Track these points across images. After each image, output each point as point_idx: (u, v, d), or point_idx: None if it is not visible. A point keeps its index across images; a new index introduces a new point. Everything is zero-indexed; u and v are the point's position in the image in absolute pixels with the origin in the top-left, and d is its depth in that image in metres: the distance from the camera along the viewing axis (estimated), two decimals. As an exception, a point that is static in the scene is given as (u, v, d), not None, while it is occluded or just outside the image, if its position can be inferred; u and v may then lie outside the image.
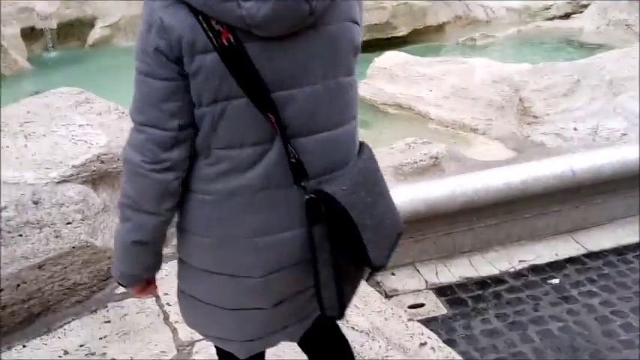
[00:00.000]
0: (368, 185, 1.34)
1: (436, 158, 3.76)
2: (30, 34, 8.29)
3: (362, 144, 1.42)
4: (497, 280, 3.45)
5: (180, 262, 1.45)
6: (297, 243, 1.28)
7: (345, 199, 1.23)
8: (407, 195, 3.43)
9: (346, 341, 1.67)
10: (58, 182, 2.34)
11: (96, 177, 2.59)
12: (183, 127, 1.21)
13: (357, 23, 1.31)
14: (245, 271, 1.31)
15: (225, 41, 1.12)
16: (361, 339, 2.42)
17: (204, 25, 1.13)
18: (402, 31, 7.65)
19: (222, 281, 1.34)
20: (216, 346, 1.57)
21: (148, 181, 1.24)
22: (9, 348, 2.28)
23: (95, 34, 8.66)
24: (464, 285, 3.43)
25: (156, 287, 1.52)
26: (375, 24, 7.46)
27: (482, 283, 3.44)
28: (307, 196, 1.23)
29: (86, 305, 2.53)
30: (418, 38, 7.93)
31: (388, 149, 4.06)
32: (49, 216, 2.32)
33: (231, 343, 1.46)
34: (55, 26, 8.51)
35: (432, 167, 3.75)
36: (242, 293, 1.33)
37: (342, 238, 1.24)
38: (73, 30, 8.87)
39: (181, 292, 1.49)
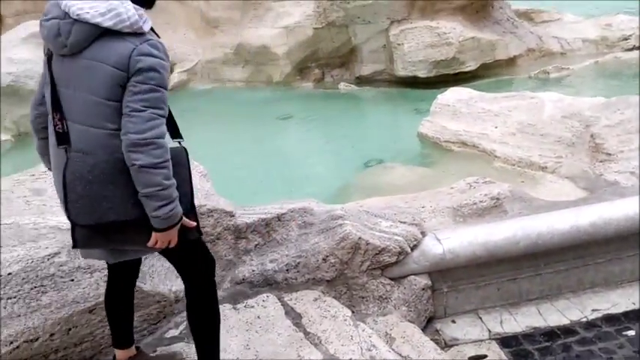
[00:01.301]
0: (95, 170, 1.87)
1: (497, 199, 3.59)
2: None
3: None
4: (567, 330, 3.20)
5: None
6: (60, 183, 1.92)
7: (76, 165, 1.86)
8: (465, 238, 3.29)
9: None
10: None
11: (147, 222, 2.65)
12: None
13: (117, 69, 1.82)
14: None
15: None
16: (407, 394, 2.30)
17: None
18: (470, 66, 7.49)
19: None
20: None
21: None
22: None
23: (174, 78, 9.10)
24: (530, 335, 3.21)
25: None
26: (441, 60, 7.37)
27: (551, 333, 3.20)
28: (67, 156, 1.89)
29: (136, 349, 2.57)
30: (488, 72, 7.74)
31: (448, 189, 3.94)
32: (100, 262, 2.39)
33: None
34: (136, 73, 9.04)
35: (494, 208, 3.58)
36: None
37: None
38: (153, 76, 9.38)
39: None
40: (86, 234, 1.92)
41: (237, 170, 5.50)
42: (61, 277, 2.30)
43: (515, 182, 4.18)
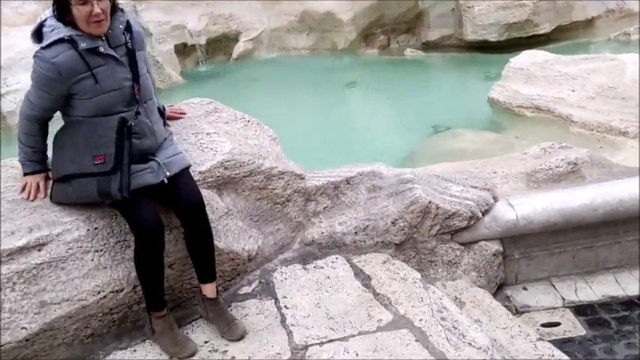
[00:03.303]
0: None
1: (575, 164, 3.45)
2: (182, 50, 9.03)
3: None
4: (646, 300, 3.07)
5: None
6: None
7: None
8: (540, 204, 3.20)
9: None
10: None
11: (220, 182, 2.72)
12: None
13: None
14: None
15: None
16: (478, 357, 2.27)
17: None
18: (545, 29, 7.15)
19: None
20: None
21: None
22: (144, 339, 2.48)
23: (239, 47, 9.19)
24: (607, 304, 3.11)
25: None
26: (514, 22, 7.06)
27: (629, 303, 3.09)
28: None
29: (211, 304, 2.66)
30: (563, 35, 7.37)
31: (521, 154, 3.82)
32: (177, 219, 2.48)
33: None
34: (204, 42, 9.19)
35: (570, 174, 3.44)
36: None
37: None
38: (220, 45, 9.50)
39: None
40: None
41: (303, 137, 5.51)
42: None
43: (593, 148, 4.00)
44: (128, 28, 2.40)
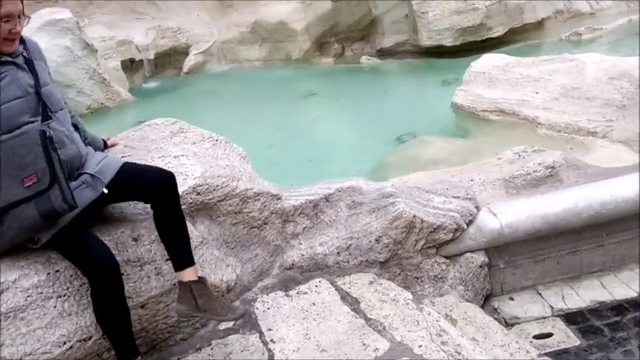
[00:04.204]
0: None
1: (552, 168, 3.39)
2: (130, 66, 8.68)
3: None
4: (636, 303, 3.02)
5: None
6: None
7: None
8: (523, 211, 3.11)
9: None
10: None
11: (193, 209, 2.51)
12: None
13: None
14: None
15: None
16: (487, 382, 2.14)
17: None
18: (498, 32, 7.21)
19: None
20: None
21: None
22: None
23: (190, 61, 8.91)
24: (597, 311, 3.04)
25: None
26: (468, 27, 7.09)
27: (619, 308, 3.03)
28: None
29: (190, 343, 2.45)
30: (516, 38, 7.46)
31: (496, 160, 3.75)
32: (150, 253, 2.25)
33: None
34: (152, 57, 8.87)
35: (549, 178, 3.38)
36: None
37: None
38: (170, 59, 9.20)
39: None
40: None
41: (264, 152, 5.30)
42: (111, 272, 2.16)
43: (563, 149, 3.96)
44: (22, 40, 2.20)
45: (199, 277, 2.25)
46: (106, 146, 2.61)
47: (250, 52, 8.87)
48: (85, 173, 2.18)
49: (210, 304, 2.22)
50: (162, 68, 9.21)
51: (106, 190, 2.16)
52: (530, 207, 3.12)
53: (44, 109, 2.12)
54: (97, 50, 7.33)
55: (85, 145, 2.34)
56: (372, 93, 6.91)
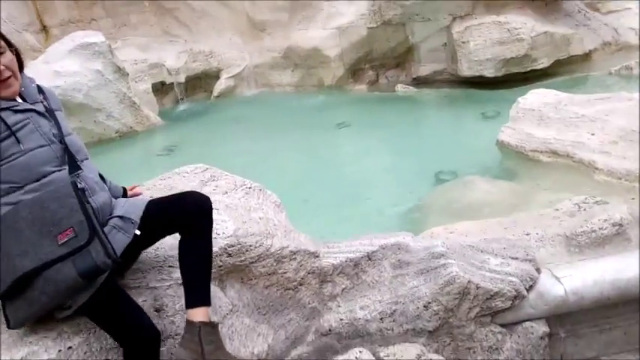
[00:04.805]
0: None
1: (620, 225, 3.04)
2: (160, 89, 8.57)
3: None
4: None
5: None
6: None
7: None
8: (590, 276, 2.77)
9: None
10: (181, 284, 2.00)
11: (223, 272, 2.24)
12: None
13: None
14: None
15: None
16: None
17: None
18: (543, 63, 6.87)
19: None
20: None
21: None
22: None
23: (220, 85, 8.78)
24: (671, 391, 2.67)
25: None
26: (512, 57, 6.77)
27: (698, 390, 2.65)
28: None
29: None
30: (561, 69, 7.10)
31: (553, 211, 3.41)
32: (173, 325, 1.99)
33: None
34: (183, 80, 8.75)
35: (616, 237, 3.03)
36: None
37: None
38: (200, 82, 9.08)
39: None
40: None
41: (293, 186, 5.03)
42: None
43: (624, 199, 3.61)
44: (40, 89, 2.07)
45: (211, 322, 1.99)
46: (125, 195, 2.38)
47: (282, 77, 8.69)
48: (112, 217, 1.98)
49: (217, 354, 1.95)
50: (192, 91, 9.08)
51: (138, 232, 1.95)
52: (599, 271, 2.78)
53: (71, 158, 1.96)
54: (128, 74, 7.22)
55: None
56: (408, 124, 6.62)
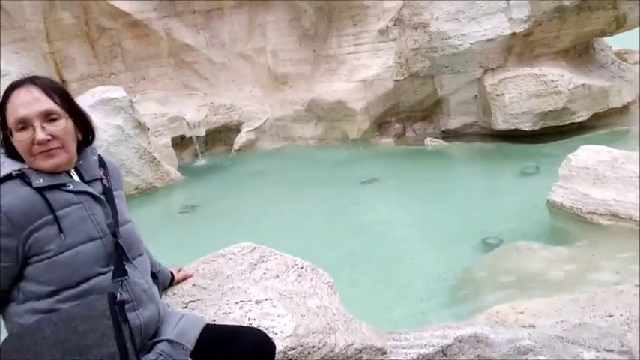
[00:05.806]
0: None
1: None
2: (180, 143, 8.36)
3: None
4: None
5: None
6: None
7: None
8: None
9: None
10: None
11: (282, 381, 1.86)
12: None
13: None
14: None
15: None
16: None
17: None
18: (582, 116, 6.58)
19: None
20: None
21: None
22: None
23: (241, 138, 8.58)
24: None
25: None
26: (549, 111, 6.49)
27: None
28: None
29: None
30: (598, 123, 6.81)
31: (633, 287, 3.02)
32: None
33: None
34: (203, 133, 8.55)
35: None
36: None
37: None
38: (220, 136, 8.89)
39: None
40: None
41: (320, 249, 4.62)
42: None
43: None
44: (101, 162, 1.72)
45: None
46: (172, 279, 2.04)
47: (305, 131, 8.47)
48: (160, 341, 1.62)
49: None
50: (212, 145, 8.88)
51: None
52: None
53: (120, 256, 1.59)
54: (148, 129, 7.01)
55: (154, 281, 1.79)
56: (441, 180, 6.28)
